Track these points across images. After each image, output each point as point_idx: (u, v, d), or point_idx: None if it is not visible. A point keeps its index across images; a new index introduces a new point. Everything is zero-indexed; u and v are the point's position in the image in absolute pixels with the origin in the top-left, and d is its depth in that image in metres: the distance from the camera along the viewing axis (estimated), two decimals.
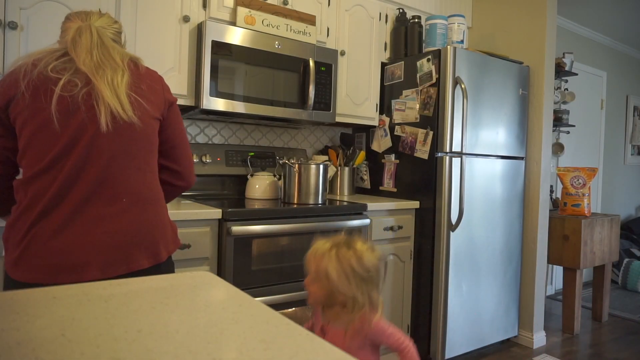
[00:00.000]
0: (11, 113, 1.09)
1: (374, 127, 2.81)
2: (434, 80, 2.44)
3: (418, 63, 2.54)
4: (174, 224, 1.30)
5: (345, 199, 2.52)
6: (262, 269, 1.93)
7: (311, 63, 2.29)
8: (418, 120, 2.53)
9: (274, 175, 2.41)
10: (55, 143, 1.07)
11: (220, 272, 1.85)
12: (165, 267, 1.19)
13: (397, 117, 2.66)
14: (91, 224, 1.08)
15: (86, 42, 1.12)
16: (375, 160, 2.82)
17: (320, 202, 2.24)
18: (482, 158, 2.55)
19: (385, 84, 2.76)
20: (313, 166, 2.23)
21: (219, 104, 2.09)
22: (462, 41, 2.66)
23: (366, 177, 2.88)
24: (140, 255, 1.12)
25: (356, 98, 2.65)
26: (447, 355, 2.41)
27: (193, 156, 2.34)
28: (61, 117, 1.07)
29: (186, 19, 2.06)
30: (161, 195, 1.24)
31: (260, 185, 2.34)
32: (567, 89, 3.94)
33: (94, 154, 1.09)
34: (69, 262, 1.05)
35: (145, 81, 1.21)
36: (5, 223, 1.12)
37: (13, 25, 1.67)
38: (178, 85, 2.05)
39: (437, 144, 2.43)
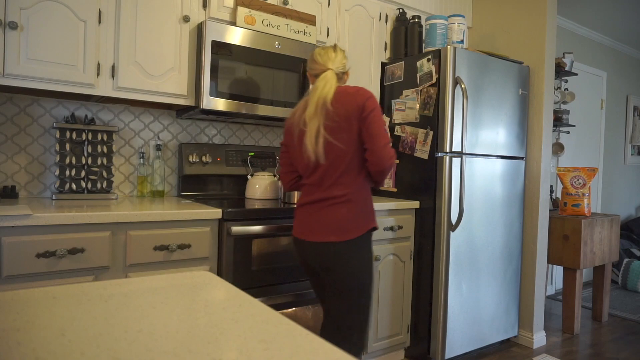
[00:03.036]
0: None
1: None
2: (434, 80, 2.44)
3: (418, 63, 2.54)
4: (363, 218, 1.66)
5: None
6: (262, 269, 1.93)
7: None
8: (418, 120, 2.53)
9: (274, 175, 2.41)
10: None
11: (220, 272, 1.85)
12: (345, 244, 1.62)
13: (397, 117, 2.66)
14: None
15: None
16: None
17: None
18: (482, 158, 2.55)
19: (385, 84, 2.76)
20: None
21: (219, 104, 2.09)
22: (462, 41, 2.67)
23: None
24: (329, 235, 1.63)
25: None
26: (447, 355, 2.41)
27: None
28: None
29: (186, 18, 2.06)
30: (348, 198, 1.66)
31: (260, 185, 2.34)
32: (567, 89, 3.94)
33: None
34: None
35: None
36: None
37: (13, 25, 1.67)
38: (178, 85, 2.05)
39: (437, 144, 2.43)
